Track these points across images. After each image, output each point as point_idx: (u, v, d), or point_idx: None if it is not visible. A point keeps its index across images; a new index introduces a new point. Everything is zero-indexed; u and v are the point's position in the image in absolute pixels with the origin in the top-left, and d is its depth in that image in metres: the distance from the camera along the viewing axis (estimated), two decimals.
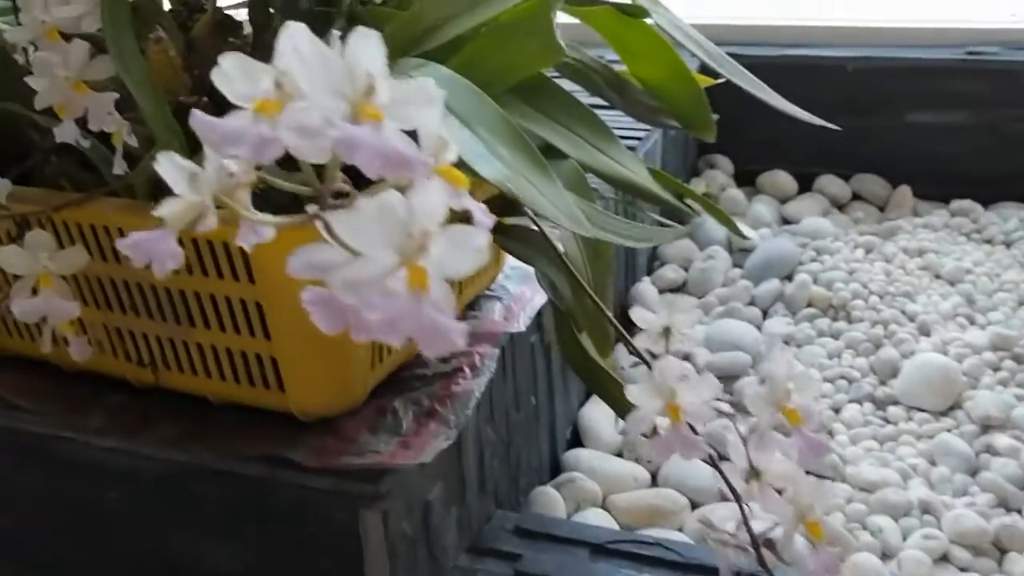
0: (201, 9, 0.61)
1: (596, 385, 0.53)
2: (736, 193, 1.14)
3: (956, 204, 1.09)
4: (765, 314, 0.94)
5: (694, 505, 0.73)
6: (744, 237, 0.62)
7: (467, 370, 0.59)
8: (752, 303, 0.95)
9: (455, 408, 0.56)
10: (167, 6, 0.61)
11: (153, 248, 0.27)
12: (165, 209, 0.27)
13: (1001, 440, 0.72)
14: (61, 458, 0.57)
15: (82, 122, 0.48)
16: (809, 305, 0.93)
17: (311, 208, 0.27)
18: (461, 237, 0.25)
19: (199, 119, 0.25)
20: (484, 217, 0.27)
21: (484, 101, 0.41)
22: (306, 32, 0.26)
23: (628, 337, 0.51)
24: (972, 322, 0.89)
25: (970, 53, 1.10)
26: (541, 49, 0.44)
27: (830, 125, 0.52)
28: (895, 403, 0.81)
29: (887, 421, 0.80)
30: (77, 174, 0.52)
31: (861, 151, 1.15)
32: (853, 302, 0.92)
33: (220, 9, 0.58)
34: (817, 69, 1.15)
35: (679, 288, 0.99)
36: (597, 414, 0.80)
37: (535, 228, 0.55)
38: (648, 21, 0.57)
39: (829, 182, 1.15)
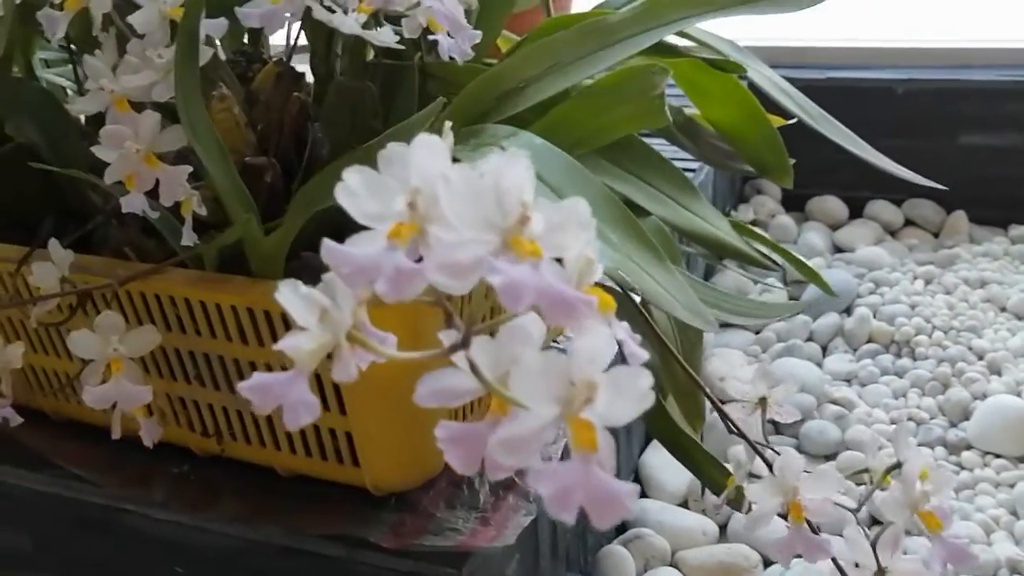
0: (260, 59, 0.59)
1: (683, 457, 0.50)
2: (786, 220, 1.11)
3: (1015, 231, 1.05)
4: (824, 350, 0.91)
5: (766, 562, 0.69)
6: (832, 294, 0.59)
7: None
8: (811, 338, 0.92)
9: None
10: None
11: (283, 394, 0.24)
12: (289, 344, 0.24)
13: None
14: (124, 529, 0.55)
15: (150, 191, 0.45)
16: (870, 340, 0.90)
17: (447, 337, 0.24)
18: (625, 381, 0.22)
19: (330, 250, 0.23)
20: (639, 348, 0.24)
21: (587, 178, 0.38)
22: (446, 151, 0.24)
23: (719, 405, 0.48)
24: None
25: None
26: (640, 114, 0.41)
27: (937, 185, 0.49)
28: (969, 448, 0.78)
29: (962, 467, 0.77)
30: (141, 242, 0.49)
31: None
32: (916, 338, 0.88)
33: (282, 60, 0.55)
34: (866, 92, 1.12)
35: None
36: (659, 461, 0.77)
37: (616, 287, 0.52)
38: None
39: (882, 208, 1.11)
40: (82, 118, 0.59)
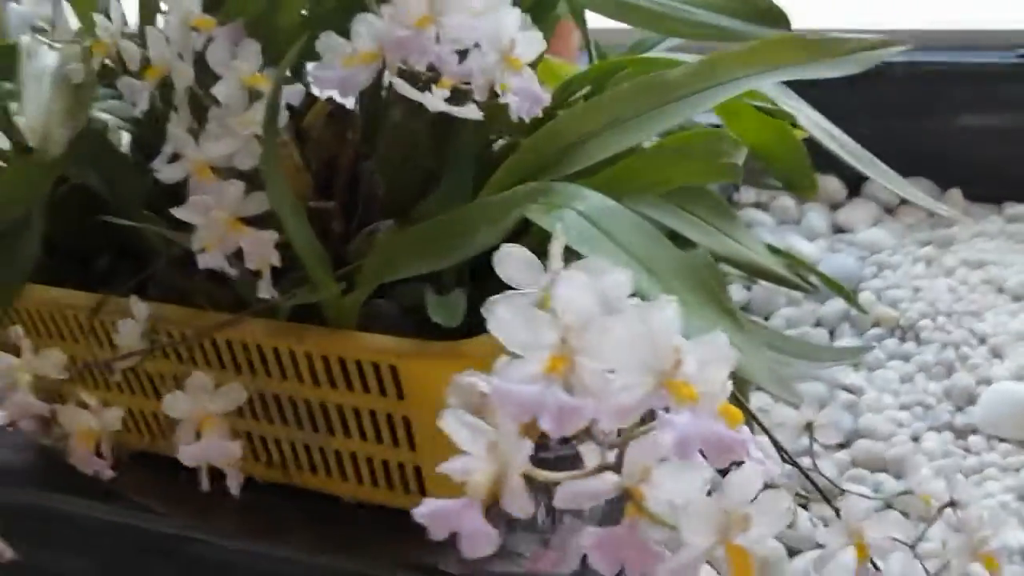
0: (307, 93, 0.60)
1: None
2: (787, 201, 1.14)
3: (1010, 210, 1.09)
4: (832, 335, 0.95)
5: (790, 552, 0.74)
6: (864, 311, 0.62)
7: None
8: (819, 324, 0.95)
9: None
10: None
11: (461, 524, 0.26)
12: (460, 470, 0.27)
13: None
14: (192, 557, 0.57)
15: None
16: (876, 325, 0.94)
17: (589, 453, 0.27)
18: (770, 505, 0.25)
19: (499, 390, 0.25)
20: (773, 464, 0.27)
21: (662, 242, 0.41)
22: (593, 288, 0.26)
23: (771, 434, 0.51)
24: None
25: (1021, 56, 1.09)
26: (708, 171, 0.44)
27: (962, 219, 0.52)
28: (975, 432, 0.82)
29: (969, 451, 0.81)
30: (211, 290, 0.51)
31: (910, 154, 1.14)
32: (921, 322, 0.92)
33: (332, 98, 0.57)
34: (866, 73, 1.14)
35: (743, 309, 0.99)
36: None
37: None
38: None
39: (880, 187, 1.14)
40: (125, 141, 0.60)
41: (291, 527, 0.56)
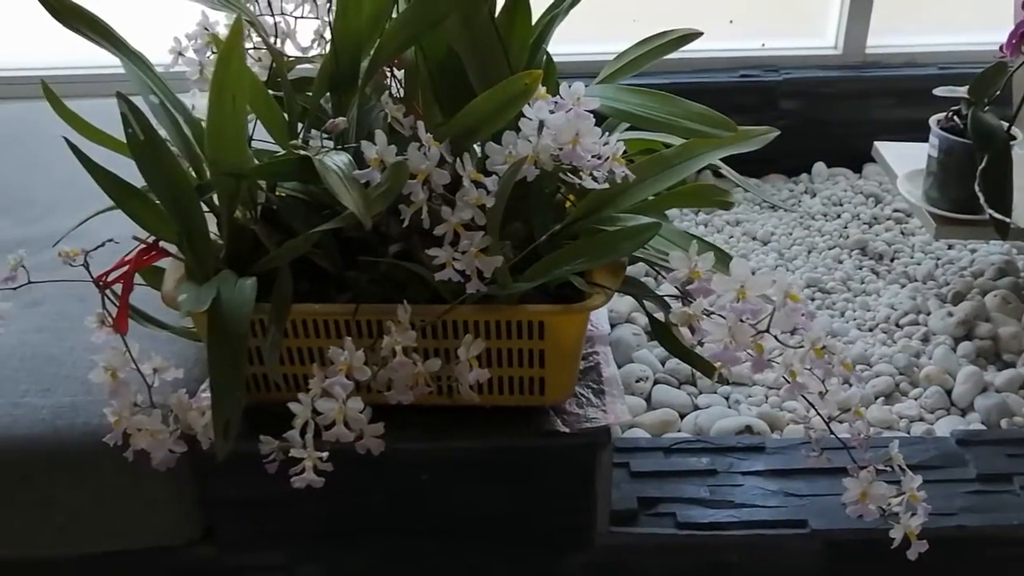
0: None
1: (687, 358, 1.04)
2: None
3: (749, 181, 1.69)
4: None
5: (680, 415, 1.27)
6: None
7: (602, 363, 1.08)
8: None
9: (610, 384, 1.05)
10: None
11: (729, 358, 0.74)
12: (715, 340, 0.74)
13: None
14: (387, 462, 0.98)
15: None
16: None
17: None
18: None
19: (735, 308, 0.73)
20: None
21: (685, 236, 0.90)
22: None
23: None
24: (787, 269, 1.50)
25: (742, 76, 1.70)
26: (707, 202, 0.93)
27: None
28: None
29: None
30: (421, 292, 0.93)
31: None
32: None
33: None
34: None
35: None
36: None
37: (641, 281, 1.04)
38: None
39: None
40: None
41: (453, 430, 0.99)
